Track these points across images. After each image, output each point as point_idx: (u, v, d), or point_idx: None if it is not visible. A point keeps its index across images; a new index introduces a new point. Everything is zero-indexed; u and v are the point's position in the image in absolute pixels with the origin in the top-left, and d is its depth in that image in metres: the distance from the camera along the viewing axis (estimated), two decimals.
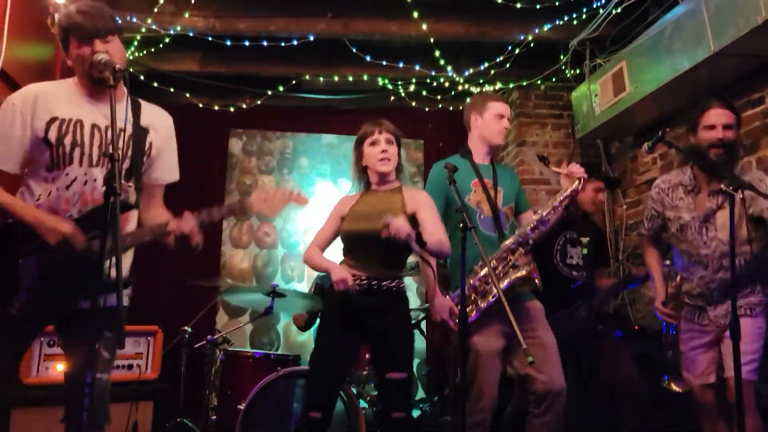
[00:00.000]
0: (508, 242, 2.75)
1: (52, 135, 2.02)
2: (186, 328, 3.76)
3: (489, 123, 2.92)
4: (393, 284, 2.64)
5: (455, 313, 2.64)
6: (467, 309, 2.58)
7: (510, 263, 2.72)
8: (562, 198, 2.74)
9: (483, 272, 2.71)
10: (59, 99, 2.08)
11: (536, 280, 2.66)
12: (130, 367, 3.45)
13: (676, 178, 2.87)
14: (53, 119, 2.03)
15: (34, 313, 1.96)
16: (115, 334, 1.98)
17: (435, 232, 2.55)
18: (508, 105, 3.01)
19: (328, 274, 2.61)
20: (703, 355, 2.82)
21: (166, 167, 2.32)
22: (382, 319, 2.58)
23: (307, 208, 5.40)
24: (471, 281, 2.71)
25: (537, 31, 4.20)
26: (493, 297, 2.67)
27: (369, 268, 2.61)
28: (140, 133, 2.17)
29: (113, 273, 1.76)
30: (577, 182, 2.72)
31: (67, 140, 2.04)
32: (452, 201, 2.74)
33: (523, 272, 2.66)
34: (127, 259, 2.17)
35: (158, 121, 2.26)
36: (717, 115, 2.65)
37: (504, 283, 2.65)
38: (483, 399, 2.68)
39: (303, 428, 2.57)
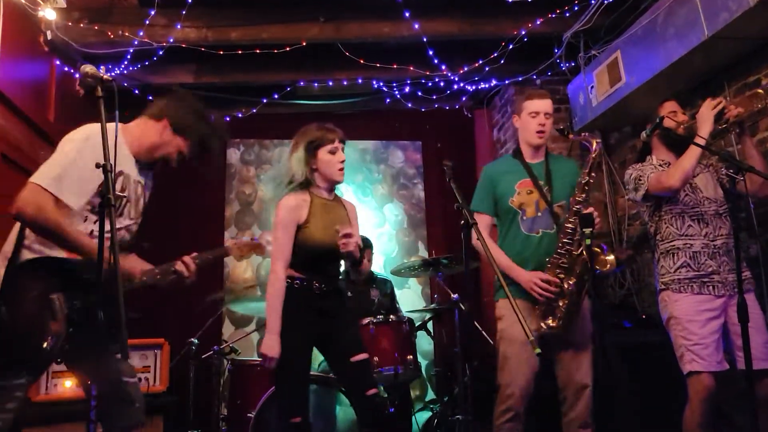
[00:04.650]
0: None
1: (117, 187, 2.11)
2: (192, 339, 3.75)
3: (525, 123, 2.94)
4: (340, 287, 2.82)
5: (540, 284, 2.70)
6: None
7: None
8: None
9: None
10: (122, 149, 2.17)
11: None
12: (138, 380, 3.43)
13: (647, 165, 2.97)
14: (119, 173, 2.13)
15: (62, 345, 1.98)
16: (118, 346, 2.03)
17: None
18: (546, 99, 2.94)
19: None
20: (719, 340, 2.73)
21: None
22: (337, 317, 2.72)
23: None
24: None
25: (530, 25, 4.20)
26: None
27: (326, 277, 2.73)
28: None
29: None
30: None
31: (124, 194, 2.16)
32: (499, 198, 2.90)
33: None
34: None
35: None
36: (673, 105, 2.98)
37: None
38: (512, 385, 2.72)
39: None
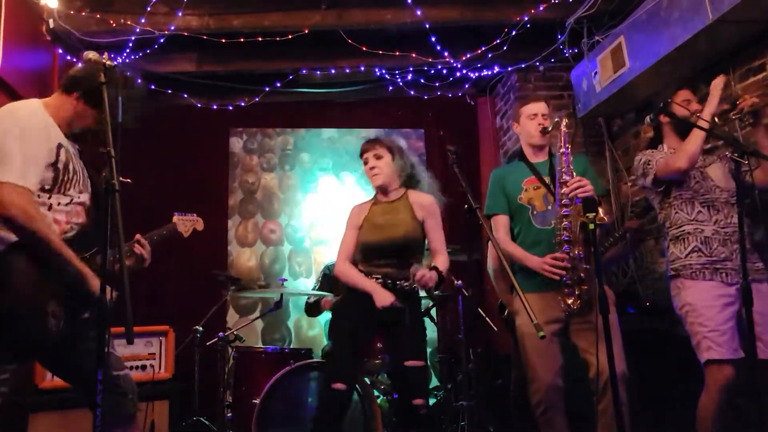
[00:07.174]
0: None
1: (61, 159, 2.05)
2: (197, 327, 3.76)
3: (525, 126, 3.05)
4: (406, 285, 2.83)
5: (553, 263, 2.72)
6: None
7: None
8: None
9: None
10: (52, 124, 2.11)
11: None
12: (143, 367, 3.47)
13: (657, 151, 3.01)
14: (60, 145, 2.06)
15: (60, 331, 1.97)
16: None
17: (440, 249, 2.95)
18: (542, 102, 3.09)
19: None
20: (735, 328, 2.66)
21: None
22: (397, 316, 2.76)
23: (311, 203, 5.41)
24: None
25: (533, 11, 4.17)
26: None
27: (383, 272, 2.88)
28: None
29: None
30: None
31: (70, 167, 2.09)
32: (508, 196, 2.99)
33: None
34: None
35: None
36: (687, 94, 3.03)
37: None
38: (537, 380, 2.74)
39: (327, 400, 2.68)
